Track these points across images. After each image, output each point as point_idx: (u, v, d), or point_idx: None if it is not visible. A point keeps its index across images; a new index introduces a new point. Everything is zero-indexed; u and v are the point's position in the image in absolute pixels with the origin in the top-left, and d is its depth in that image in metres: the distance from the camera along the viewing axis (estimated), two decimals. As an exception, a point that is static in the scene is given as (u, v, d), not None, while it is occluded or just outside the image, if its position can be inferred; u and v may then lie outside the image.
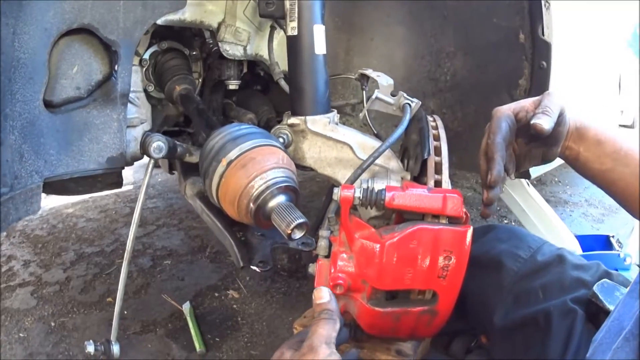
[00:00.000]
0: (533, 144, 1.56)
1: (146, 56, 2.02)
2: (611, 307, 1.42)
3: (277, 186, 1.49)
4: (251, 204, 1.48)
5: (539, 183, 5.95)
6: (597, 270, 1.66)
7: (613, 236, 3.13)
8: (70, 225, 4.63)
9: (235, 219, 1.57)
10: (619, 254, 2.82)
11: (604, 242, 3.20)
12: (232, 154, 1.51)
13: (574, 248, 2.81)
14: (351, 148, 1.69)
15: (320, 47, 1.72)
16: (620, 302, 1.24)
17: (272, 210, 1.47)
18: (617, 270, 1.89)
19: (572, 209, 5.41)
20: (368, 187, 1.42)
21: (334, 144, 1.71)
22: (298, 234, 1.42)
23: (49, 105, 1.53)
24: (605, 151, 1.52)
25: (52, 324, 3.20)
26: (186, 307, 3.18)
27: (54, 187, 1.72)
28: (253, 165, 1.48)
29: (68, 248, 4.20)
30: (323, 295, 1.34)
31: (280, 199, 1.49)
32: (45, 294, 3.53)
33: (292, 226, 1.39)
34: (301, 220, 1.41)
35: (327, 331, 1.25)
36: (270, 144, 1.56)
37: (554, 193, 5.83)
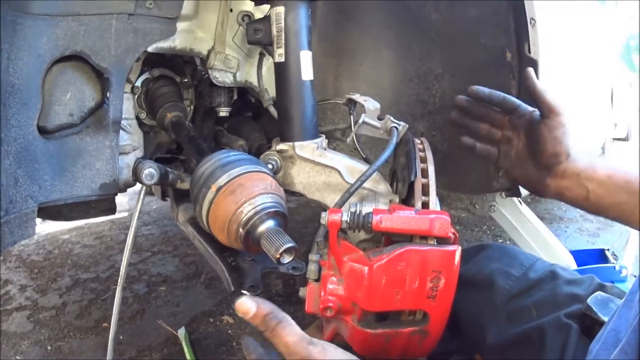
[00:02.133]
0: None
1: (138, 83, 2.03)
2: (605, 319, 1.42)
3: (266, 211, 1.49)
4: (240, 229, 1.49)
5: (533, 200, 5.97)
6: (591, 284, 1.66)
7: (608, 249, 3.13)
8: (66, 251, 4.64)
9: (225, 245, 1.58)
10: (614, 267, 2.83)
11: (599, 256, 3.20)
12: (221, 180, 1.52)
13: (569, 264, 2.81)
14: (339, 172, 1.70)
15: (307, 73, 1.73)
16: (615, 312, 1.25)
17: (261, 235, 1.47)
18: (613, 282, 1.91)
19: (567, 225, 5.43)
20: (355, 210, 1.44)
21: (322, 169, 1.72)
22: (287, 259, 1.42)
23: (42, 131, 1.54)
24: (618, 184, 1.57)
25: (49, 347, 3.21)
26: (181, 333, 3.18)
27: (48, 212, 1.73)
28: (242, 191, 1.50)
29: (64, 273, 4.21)
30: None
31: (269, 224, 1.49)
32: (42, 319, 3.54)
33: (281, 250, 1.40)
34: (290, 245, 1.41)
35: None
36: (258, 170, 1.58)
37: (549, 210, 5.85)
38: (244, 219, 1.47)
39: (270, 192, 1.53)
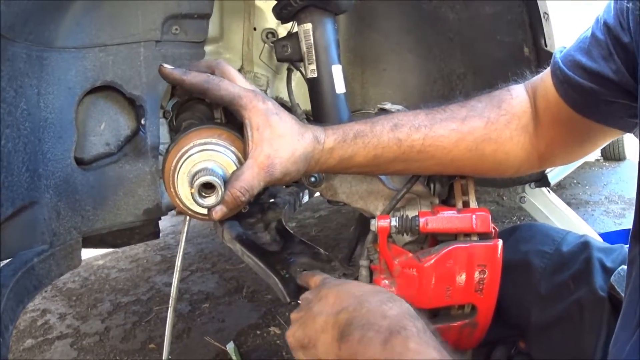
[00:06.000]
0: None
1: (169, 107, 2.04)
2: None
3: None
4: None
5: (559, 187, 5.99)
6: (620, 252, 1.67)
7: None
8: (103, 276, 4.67)
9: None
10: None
11: (627, 236, 3.22)
12: None
13: (600, 247, 2.84)
14: (380, 179, 1.73)
15: (340, 86, 1.76)
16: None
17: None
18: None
19: (593, 208, 5.46)
20: (402, 215, 1.49)
21: (363, 178, 1.74)
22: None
23: (80, 162, 1.57)
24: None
25: (96, 372, 3.22)
26: (230, 347, 3.21)
27: (92, 241, 1.75)
28: None
29: (103, 299, 4.23)
30: None
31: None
32: (86, 345, 3.56)
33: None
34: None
35: None
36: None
37: (575, 195, 5.87)
38: None
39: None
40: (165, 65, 1.44)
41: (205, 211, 1.42)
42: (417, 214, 1.50)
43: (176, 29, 1.63)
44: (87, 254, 5.02)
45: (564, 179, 5.33)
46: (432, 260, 1.44)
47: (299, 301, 1.49)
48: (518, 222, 4.90)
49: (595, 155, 8.16)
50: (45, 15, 1.35)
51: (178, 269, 1.83)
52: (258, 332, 3.47)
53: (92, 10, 1.48)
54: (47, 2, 1.32)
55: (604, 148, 7.79)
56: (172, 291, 1.83)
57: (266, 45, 2.08)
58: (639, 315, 1.13)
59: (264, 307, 3.78)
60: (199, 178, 1.35)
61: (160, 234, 1.98)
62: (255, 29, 2.09)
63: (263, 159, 1.39)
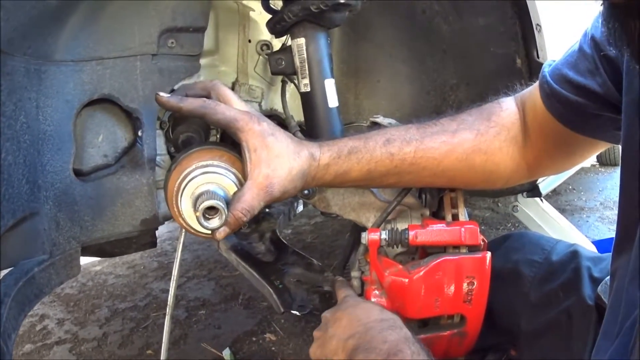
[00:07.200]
0: None
1: (165, 118, 2.05)
2: None
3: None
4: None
5: (554, 193, 5.98)
6: (609, 262, 1.70)
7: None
8: (100, 282, 4.67)
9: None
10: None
11: (618, 244, 3.22)
12: None
13: (593, 255, 2.84)
14: (372, 192, 1.76)
15: (332, 100, 1.78)
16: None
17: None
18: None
19: (588, 215, 5.46)
20: (392, 228, 1.53)
21: (355, 190, 1.76)
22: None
23: (79, 174, 1.58)
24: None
25: (94, 378, 3.22)
26: (226, 353, 3.23)
27: (91, 250, 1.78)
28: None
29: (101, 305, 4.23)
30: None
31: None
32: (84, 351, 3.57)
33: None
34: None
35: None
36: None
37: (569, 201, 5.87)
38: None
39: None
40: (162, 94, 1.48)
41: (208, 231, 1.44)
42: (407, 227, 1.53)
43: (172, 43, 1.64)
44: (84, 259, 4.95)
45: (559, 185, 5.36)
46: (421, 272, 1.48)
47: (293, 311, 1.53)
48: (513, 229, 4.90)
49: (591, 160, 8.15)
50: (43, 29, 1.37)
51: (175, 276, 1.85)
52: (254, 338, 3.48)
53: (89, 24, 1.49)
54: (44, 17, 1.33)
55: (600, 153, 7.79)
56: (169, 298, 1.84)
57: (261, 57, 2.09)
58: (619, 326, 1.16)
59: (259, 314, 3.79)
60: (202, 202, 1.38)
61: (157, 240, 1.99)
62: (250, 41, 2.10)
63: (262, 180, 1.43)
